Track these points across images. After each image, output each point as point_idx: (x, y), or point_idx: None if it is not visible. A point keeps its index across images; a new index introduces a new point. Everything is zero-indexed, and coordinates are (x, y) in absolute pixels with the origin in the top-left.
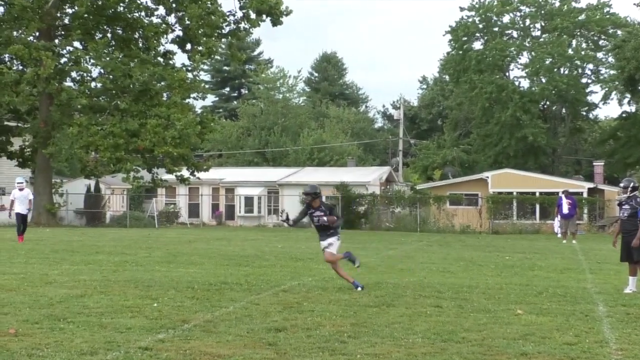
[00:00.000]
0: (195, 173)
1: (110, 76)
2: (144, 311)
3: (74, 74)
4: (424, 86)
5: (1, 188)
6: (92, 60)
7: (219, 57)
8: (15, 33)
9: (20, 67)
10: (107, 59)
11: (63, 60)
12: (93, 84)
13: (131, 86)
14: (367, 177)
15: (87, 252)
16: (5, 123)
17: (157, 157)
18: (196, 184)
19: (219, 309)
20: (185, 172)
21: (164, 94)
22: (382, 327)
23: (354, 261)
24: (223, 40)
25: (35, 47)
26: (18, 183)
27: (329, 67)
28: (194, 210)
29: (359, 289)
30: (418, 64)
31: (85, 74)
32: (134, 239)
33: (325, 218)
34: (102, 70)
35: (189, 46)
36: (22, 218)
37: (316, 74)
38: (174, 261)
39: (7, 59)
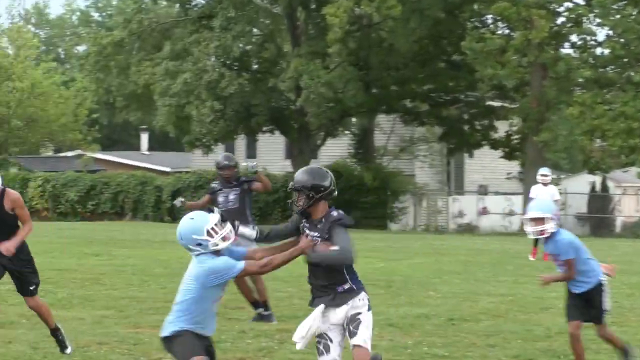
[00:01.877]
0: None
1: (621, 39)
2: None
3: (574, 38)
4: None
5: (483, 186)
6: (597, 20)
7: None
8: None
9: (507, 31)
10: (617, 16)
11: (560, 20)
12: (599, 51)
13: None
14: None
15: None
16: (488, 103)
17: None
18: None
19: None
20: None
21: None
22: None
23: None
24: None
25: (526, 5)
26: (542, 175)
27: None
28: None
29: None
30: None
31: (588, 38)
32: None
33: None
34: (610, 32)
35: None
36: None
37: None
38: None
39: (489, 21)
